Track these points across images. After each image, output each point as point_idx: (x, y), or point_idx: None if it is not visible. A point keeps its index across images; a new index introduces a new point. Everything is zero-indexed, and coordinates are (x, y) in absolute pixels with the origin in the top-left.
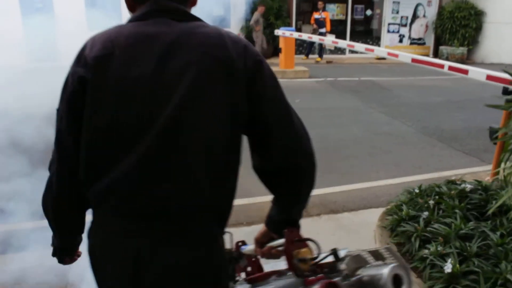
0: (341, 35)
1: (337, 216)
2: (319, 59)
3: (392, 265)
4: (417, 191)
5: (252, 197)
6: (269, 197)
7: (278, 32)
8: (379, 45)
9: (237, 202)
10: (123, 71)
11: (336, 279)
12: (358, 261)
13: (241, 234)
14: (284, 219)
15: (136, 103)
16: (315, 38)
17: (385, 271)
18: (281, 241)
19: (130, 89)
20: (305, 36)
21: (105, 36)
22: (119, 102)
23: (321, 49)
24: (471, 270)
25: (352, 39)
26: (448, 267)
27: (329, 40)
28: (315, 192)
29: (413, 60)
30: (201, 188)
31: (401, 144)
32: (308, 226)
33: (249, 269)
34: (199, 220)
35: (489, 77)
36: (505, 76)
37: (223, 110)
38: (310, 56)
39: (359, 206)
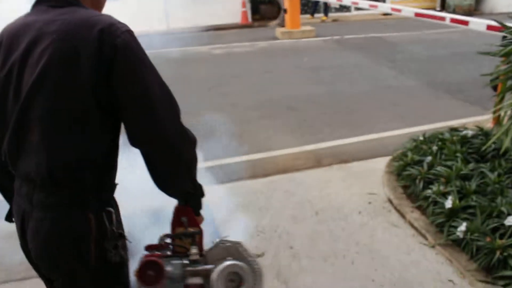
0: None
1: (348, 165)
2: (324, 18)
3: (227, 263)
4: (421, 138)
5: (268, 151)
6: (283, 151)
7: None
8: (384, 0)
9: (253, 156)
10: (4, 58)
11: (175, 261)
12: (229, 252)
13: (258, 185)
14: (171, 195)
15: (12, 87)
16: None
17: (219, 267)
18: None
19: (8, 74)
20: None
21: (3, 27)
22: (4, 86)
23: (326, 8)
24: (469, 205)
25: None
26: (448, 203)
27: (348, 1)
28: (326, 144)
29: (416, 14)
30: (54, 161)
31: (408, 97)
32: (320, 175)
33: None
34: (62, 191)
35: (489, 27)
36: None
37: (73, 91)
38: (316, 15)
39: (368, 155)
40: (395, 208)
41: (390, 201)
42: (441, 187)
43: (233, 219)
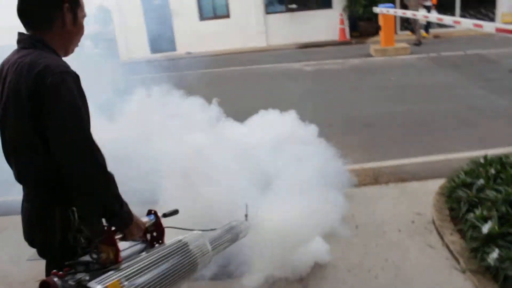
0: (449, 5)
1: (404, 184)
2: (425, 34)
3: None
4: (481, 161)
5: None
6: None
7: (376, 9)
8: (494, 13)
9: None
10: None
11: (72, 279)
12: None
13: None
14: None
15: None
16: (419, 16)
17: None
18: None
19: None
20: (404, 12)
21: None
22: None
23: (428, 24)
24: (509, 232)
25: (462, 8)
26: (485, 228)
27: (434, 17)
28: (387, 163)
29: (497, 30)
30: (20, 174)
31: (491, 118)
32: (374, 193)
33: None
34: (36, 191)
35: None
36: None
37: (21, 121)
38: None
39: (429, 176)
40: (436, 229)
41: (434, 222)
42: (484, 212)
43: None
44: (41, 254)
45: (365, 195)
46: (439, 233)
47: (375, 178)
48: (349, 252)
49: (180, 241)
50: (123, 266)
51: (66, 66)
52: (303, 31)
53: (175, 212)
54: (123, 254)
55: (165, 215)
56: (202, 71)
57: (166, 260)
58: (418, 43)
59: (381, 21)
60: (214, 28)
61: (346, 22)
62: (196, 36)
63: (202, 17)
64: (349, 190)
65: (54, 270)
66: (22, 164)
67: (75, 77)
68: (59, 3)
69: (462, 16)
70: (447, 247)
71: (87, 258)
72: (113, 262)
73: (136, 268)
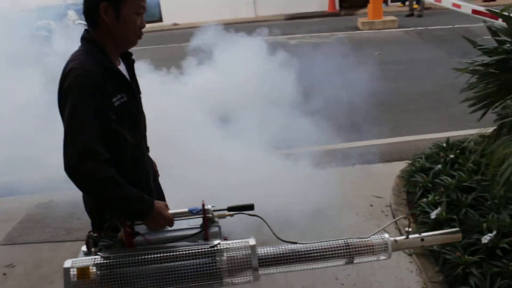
0: None
1: (370, 166)
2: (416, 5)
3: None
4: (444, 145)
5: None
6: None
7: None
8: None
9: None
10: None
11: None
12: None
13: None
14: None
15: None
16: None
17: None
18: None
19: None
20: None
21: None
22: None
23: None
24: (454, 217)
25: None
26: (433, 214)
27: None
28: (357, 144)
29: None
30: None
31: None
32: (342, 174)
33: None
34: None
35: None
36: None
37: (62, 118)
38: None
39: (395, 158)
40: (392, 213)
41: (390, 206)
42: (436, 197)
43: None
44: None
45: (330, 177)
46: (393, 217)
47: (344, 159)
48: (305, 237)
49: (213, 246)
50: (131, 251)
51: (87, 69)
52: (292, 1)
53: (247, 207)
54: (151, 237)
55: (231, 209)
56: (184, 44)
57: (179, 259)
58: (420, 15)
59: None
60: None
61: None
62: (183, 7)
63: None
64: (315, 172)
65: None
66: None
67: (93, 81)
68: (96, 4)
69: None
70: (399, 231)
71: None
72: (124, 244)
73: (129, 259)
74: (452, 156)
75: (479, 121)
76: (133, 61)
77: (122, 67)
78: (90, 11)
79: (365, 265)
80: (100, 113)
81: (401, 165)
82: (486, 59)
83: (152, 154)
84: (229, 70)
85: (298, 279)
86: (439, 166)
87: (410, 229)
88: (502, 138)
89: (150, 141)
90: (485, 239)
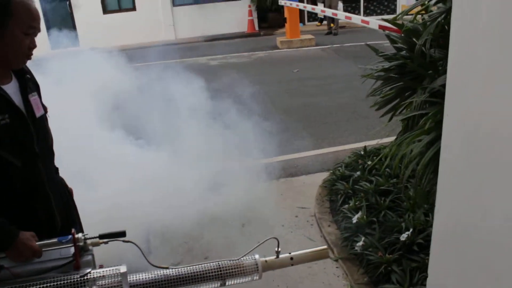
0: None
1: (293, 179)
2: (332, 24)
3: None
4: (362, 153)
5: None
6: None
7: (281, 2)
8: (395, 5)
9: None
10: None
11: None
12: None
13: None
14: None
15: None
16: (317, 10)
17: None
18: None
19: None
20: (305, 6)
21: None
22: None
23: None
24: (374, 220)
25: None
26: (354, 219)
27: (329, 12)
28: (281, 158)
29: (380, 27)
30: None
31: (382, 109)
32: (266, 188)
33: None
34: None
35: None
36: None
37: None
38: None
39: (317, 169)
40: (317, 222)
41: (315, 215)
42: (357, 202)
43: None
44: None
45: (255, 192)
46: (318, 225)
47: (268, 174)
48: (231, 251)
49: (83, 275)
50: None
51: None
52: (212, 23)
53: (118, 234)
54: (17, 270)
55: (102, 237)
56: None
57: None
58: (335, 33)
59: (286, 13)
60: (119, 21)
61: (255, 14)
62: (100, 31)
63: (106, 10)
64: (239, 187)
65: None
66: None
67: None
68: None
69: (366, 6)
70: (324, 238)
71: None
72: None
73: None
74: (369, 162)
75: (388, 124)
76: (28, 79)
77: (12, 85)
78: None
79: (293, 274)
80: None
81: (323, 175)
82: (387, 64)
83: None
84: None
85: None
86: (358, 173)
87: (279, 249)
88: (401, 137)
89: None
90: (403, 237)
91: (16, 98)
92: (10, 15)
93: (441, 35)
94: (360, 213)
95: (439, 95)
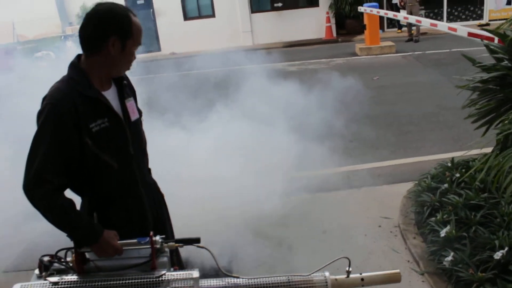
0: (437, 1)
1: (376, 188)
2: (413, 31)
3: None
4: (449, 164)
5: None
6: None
7: (361, 8)
8: (482, 10)
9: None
10: None
11: None
12: None
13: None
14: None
15: None
16: (400, 17)
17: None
18: None
19: None
20: (386, 13)
21: None
22: None
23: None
24: (464, 235)
25: (449, 4)
26: (443, 232)
27: (413, 18)
28: (362, 166)
29: (469, 34)
30: None
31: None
32: (347, 197)
33: None
34: None
35: None
36: None
37: None
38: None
39: (400, 179)
40: (401, 233)
41: (399, 226)
42: (445, 216)
43: None
44: None
45: (336, 200)
46: (403, 237)
47: (349, 183)
48: (314, 258)
49: (158, 276)
50: (74, 277)
51: (56, 98)
52: (290, 30)
53: (193, 240)
54: (100, 264)
55: (179, 241)
56: (184, 73)
57: (124, 287)
58: (417, 40)
59: (366, 20)
60: (199, 27)
61: (333, 20)
62: (180, 36)
63: (187, 17)
64: (320, 195)
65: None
66: None
67: (60, 110)
68: (105, 36)
69: (449, 12)
70: (409, 250)
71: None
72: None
73: (76, 285)
74: (457, 175)
75: (483, 136)
76: (125, 85)
77: (112, 91)
78: (95, 38)
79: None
80: (67, 140)
81: (406, 186)
82: (485, 75)
83: None
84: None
85: None
86: (446, 185)
87: (350, 269)
88: (505, 151)
89: None
90: (497, 255)
91: (114, 103)
92: (130, 37)
93: None
94: (448, 227)
95: None
